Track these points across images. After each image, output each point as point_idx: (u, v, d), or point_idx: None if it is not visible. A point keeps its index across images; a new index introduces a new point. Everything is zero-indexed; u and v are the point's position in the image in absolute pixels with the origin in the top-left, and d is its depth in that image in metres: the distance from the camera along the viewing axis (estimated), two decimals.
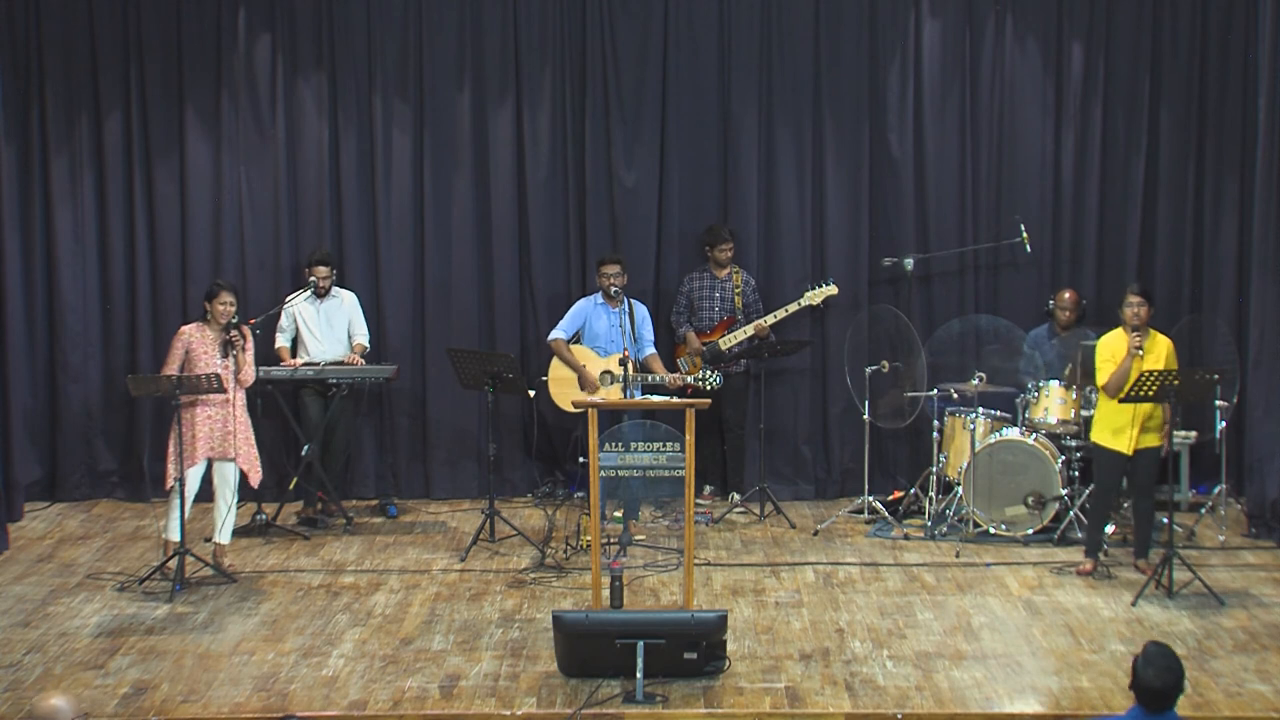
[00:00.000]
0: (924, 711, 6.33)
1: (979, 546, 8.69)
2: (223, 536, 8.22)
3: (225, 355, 8.13)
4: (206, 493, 8.25)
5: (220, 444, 8.12)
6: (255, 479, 8.30)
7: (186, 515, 8.01)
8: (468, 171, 9.94)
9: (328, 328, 9.34)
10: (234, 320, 8.16)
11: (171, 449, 8.03)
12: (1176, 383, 7.68)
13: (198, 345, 8.12)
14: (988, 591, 7.91)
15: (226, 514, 8.19)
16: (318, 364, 9.19)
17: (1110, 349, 8.12)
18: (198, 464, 8.06)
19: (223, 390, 7.95)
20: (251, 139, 9.87)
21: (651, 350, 9.30)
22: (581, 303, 9.44)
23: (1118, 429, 8.04)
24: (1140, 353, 7.96)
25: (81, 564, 8.50)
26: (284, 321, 9.36)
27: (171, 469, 8.03)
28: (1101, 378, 8.12)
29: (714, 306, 9.62)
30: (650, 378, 9.00)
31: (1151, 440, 8.06)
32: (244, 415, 8.23)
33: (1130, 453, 8.04)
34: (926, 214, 9.94)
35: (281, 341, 9.37)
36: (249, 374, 8.24)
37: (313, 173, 9.91)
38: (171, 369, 8.05)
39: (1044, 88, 9.86)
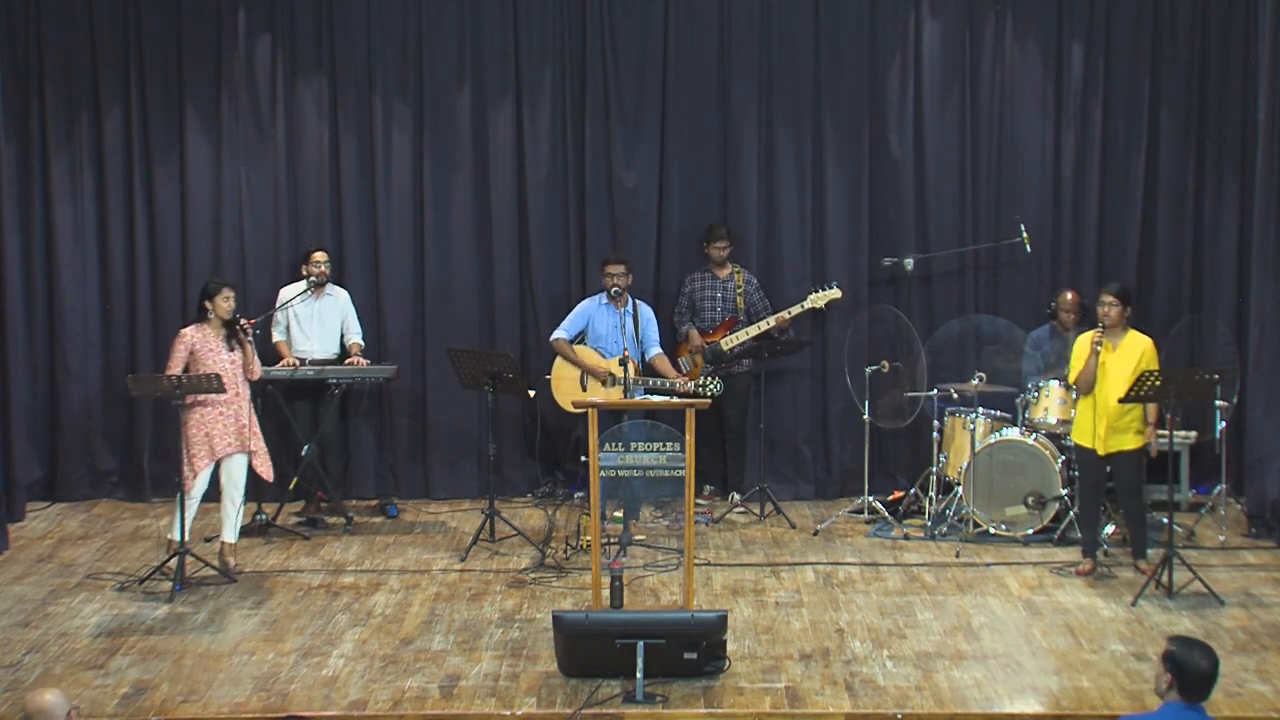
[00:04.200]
0: (924, 711, 6.33)
1: (979, 546, 8.68)
2: (229, 535, 8.22)
3: (231, 349, 8.15)
4: (211, 493, 8.24)
5: (236, 440, 8.13)
6: (270, 473, 8.35)
7: (191, 516, 8.03)
8: (468, 171, 9.94)
9: (319, 324, 9.33)
10: (235, 315, 8.20)
11: (186, 451, 8.04)
12: (1160, 383, 7.66)
13: (201, 345, 8.13)
14: (988, 591, 7.91)
15: (235, 513, 8.19)
16: (306, 361, 9.19)
17: (1082, 347, 8.15)
18: (210, 465, 8.08)
19: (223, 390, 7.94)
20: (251, 139, 9.86)
21: (657, 350, 9.28)
22: (585, 303, 9.42)
23: (1089, 428, 8.06)
24: (1098, 350, 7.98)
25: (81, 564, 8.49)
26: (279, 316, 9.34)
27: (189, 471, 8.04)
28: (1072, 376, 8.19)
29: (715, 307, 9.61)
30: (655, 380, 8.99)
31: (1128, 442, 8.05)
32: (252, 409, 8.27)
33: (1102, 452, 8.05)
34: (926, 214, 9.93)
35: (279, 336, 9.36)
36: (257, 367, 8.31)
37: (313, 173, 9.91)
38: (174, 371, 8.04)
39: (1044, 88, 9.86)
